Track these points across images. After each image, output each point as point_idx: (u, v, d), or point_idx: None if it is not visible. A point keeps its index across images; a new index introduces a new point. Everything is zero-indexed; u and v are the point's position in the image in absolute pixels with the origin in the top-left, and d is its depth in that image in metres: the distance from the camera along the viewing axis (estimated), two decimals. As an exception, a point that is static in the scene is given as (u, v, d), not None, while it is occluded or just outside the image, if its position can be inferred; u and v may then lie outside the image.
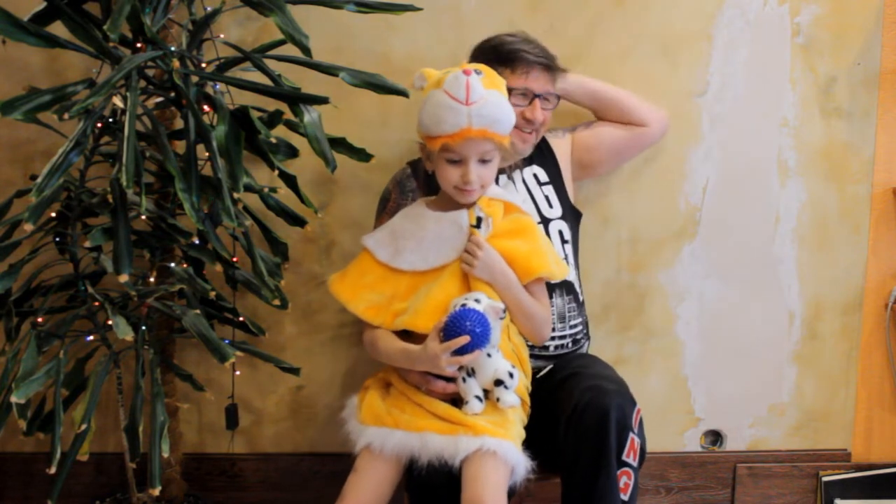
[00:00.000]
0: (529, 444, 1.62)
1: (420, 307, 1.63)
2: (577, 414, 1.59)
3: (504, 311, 1.58)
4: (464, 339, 1.51)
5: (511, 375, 1.58)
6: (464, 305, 1.55)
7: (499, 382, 1.58)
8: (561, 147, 2.00)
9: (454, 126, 1.57)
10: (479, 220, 1.64)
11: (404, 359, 1.62)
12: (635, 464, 1.61)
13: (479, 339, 1.53)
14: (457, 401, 1.61)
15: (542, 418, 1.68)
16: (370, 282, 1.70)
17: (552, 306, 1.80)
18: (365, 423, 1.62)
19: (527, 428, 1.66)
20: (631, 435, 1.59)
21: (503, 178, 1.87)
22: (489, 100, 1.58)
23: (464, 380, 1.59)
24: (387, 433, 1.58)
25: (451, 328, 1.53)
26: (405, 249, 1.68)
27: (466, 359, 1.54)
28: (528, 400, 1.68)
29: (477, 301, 1.56)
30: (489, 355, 1.57)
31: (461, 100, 1.56)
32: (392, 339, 1.66)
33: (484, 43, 1.86)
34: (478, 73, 1.59)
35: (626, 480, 1.59)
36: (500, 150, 1.65)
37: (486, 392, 1.60)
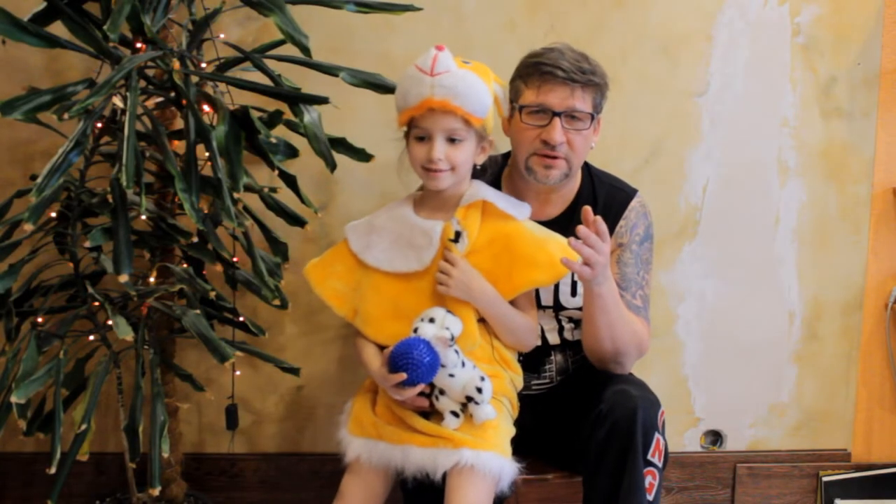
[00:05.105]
0: (541, 444, 1.60)
1: (373, 314, 1.63)
2: (603, 414, 1.57)
3: (452, 340, 1.53)
4: (400, 377, 1.48)
5: (480, 390, 1.53)
6: (415, 330, 1.51)
7: (469, 399, 1.54)
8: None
9: (417, 96, 1.55)
10: (457, 234, 1.60)
11: (374, 372, 1.62)
12: (660, 464, 1.59)
13: (425, 371, 1.48)
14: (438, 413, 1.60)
15: (563, 419, 1.67)
16: (339, 271, 1.69)
17: (552, 363, 1.79)
18: (352, 433, 1.62)
19: (540, 428, 1.65)
20: (657, 435, 1.57)
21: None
22: (456, 73, 1.54)
23: (437, 398, 1.56)
24: (372, 445, 1.58)
25: (393, 361, 1.50)
26: (375, 246, 1.66)
27: (408, 393, 1.51)
28: (515, 399, 1.67)
29: (432, 321, 1.52)
30: (452, 375, 1.53)
31: (426, 70, 1.54)
32: (370, 349, 1.65)
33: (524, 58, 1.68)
34: (465, 61, 1.57)
35: (650, 480, 1.57)
36: (475, 132, 1.59)
37: (465, 401, 1.57)
